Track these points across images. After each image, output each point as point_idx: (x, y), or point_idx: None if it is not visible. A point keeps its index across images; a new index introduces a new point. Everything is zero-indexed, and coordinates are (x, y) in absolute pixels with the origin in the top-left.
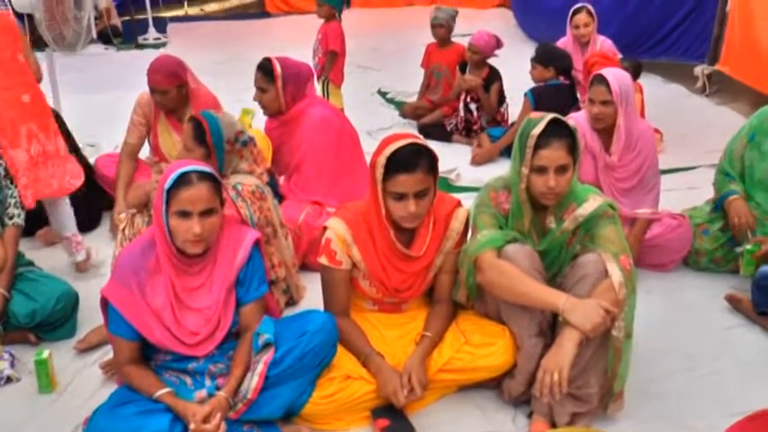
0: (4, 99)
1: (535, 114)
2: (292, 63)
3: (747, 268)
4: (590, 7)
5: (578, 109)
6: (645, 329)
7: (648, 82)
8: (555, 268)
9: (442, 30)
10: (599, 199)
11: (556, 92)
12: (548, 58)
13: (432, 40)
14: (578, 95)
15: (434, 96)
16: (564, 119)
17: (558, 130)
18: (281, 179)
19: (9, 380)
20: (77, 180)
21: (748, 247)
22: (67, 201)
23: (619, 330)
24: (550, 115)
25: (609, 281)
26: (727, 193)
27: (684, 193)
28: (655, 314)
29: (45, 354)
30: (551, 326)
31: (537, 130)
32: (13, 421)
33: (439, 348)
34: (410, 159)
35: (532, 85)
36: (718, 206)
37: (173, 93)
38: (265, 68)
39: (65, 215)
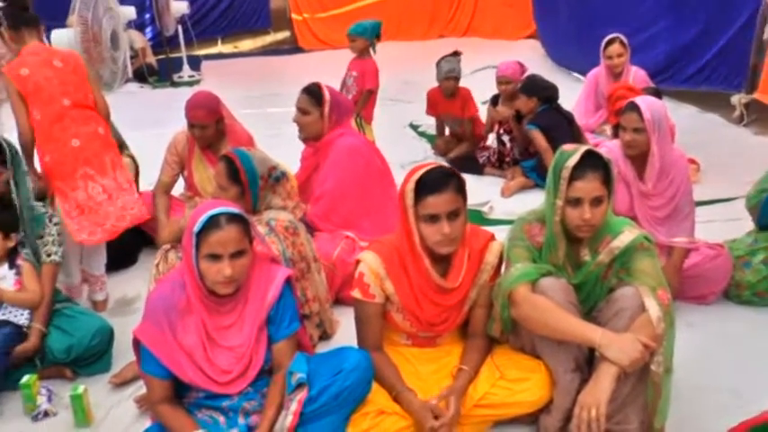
0: (86, 133)
1: (569, 146)
2: (338, 93)
3: None
4: (623, 38)
5: (577, 128)
6: (686, 364)
7: (685, 112)
8: (590, 302)
9: (456, 83)
10: (635, 231)
11: (549, 115)
12: (531, 88)
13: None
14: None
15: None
16: (598, 150)
17: (593, 162)
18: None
19: (47, 414)
20: (143, 210)
21: None
22: (104, 243)
23: (658, 365)
24: (585, 147)
25: (646, 315)
26: None
27: (723, 225)
28: (697, 348)
29: (81, 389)
30: (588, 360)
31: (571, 162)
32: None
33: (474, 383)
34: (438, 180)
35: None
36: (762, 223)
37: (211, 128)
38: (313, 92)
39: (100, 254)
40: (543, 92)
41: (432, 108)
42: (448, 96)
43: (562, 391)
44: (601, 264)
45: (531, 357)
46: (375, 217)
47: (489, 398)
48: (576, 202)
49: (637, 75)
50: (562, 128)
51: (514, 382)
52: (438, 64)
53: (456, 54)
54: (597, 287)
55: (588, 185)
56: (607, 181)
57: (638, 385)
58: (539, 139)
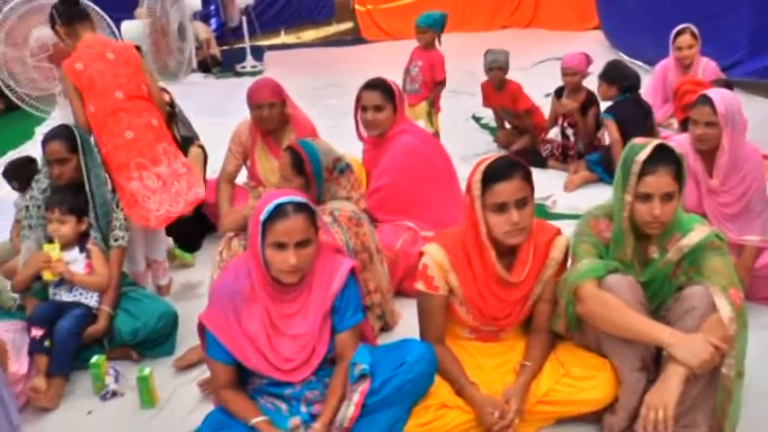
0: (139, 124)
1: (639, 140)
2: (396, 84)
3: None
4: (694, 28)
5: (652, 122)
6: (758, 367)
7: (757, 105)
8: (657, 300)
9: (500, 72)
10: (705, 229)
11: (627, 106)
12: (612, 75)
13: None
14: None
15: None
16: (670, 144)
17: (665, 156)
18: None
19: (114, 394)
20: (203, 192)
21: None
22: (163, 228)
23: (729, 368)
24: (656, 141)
25: (717, 315)
26: None
27: None
28: None
29: (147, 371)
30: (655, 360)
31: (642, 156)
32: None
33: (537, 379)
34: (506, 168)
35: None
36: None
37: (276, 108)
38: (384, 87)
39: (160, 241)
40: (625, 80)
41: (486, 100)
42: (496, 88)
43: (628, 390)
44: (669, 261)
45: (597, 355)
46: (432, 213)
47: (552, 395)
48: (646, 198)
49: (707, 66)
50: (637, 121)
51: (579, 380)
52: (485, 55)
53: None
54: (665, 285)
55: (659, 180)
56: (678, 176)
57: (708, 388)
58: (612, 128)
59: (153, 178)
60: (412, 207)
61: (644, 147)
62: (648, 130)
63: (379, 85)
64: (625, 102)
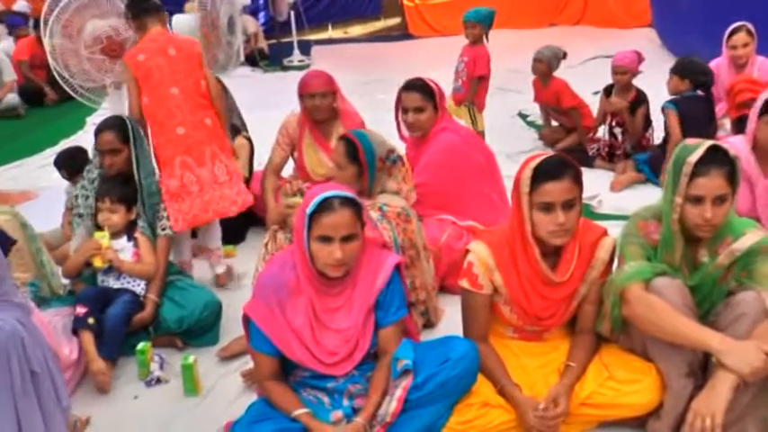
0: (191, 122)
1: (691, 140)
2: (435, 83)
3: None
4: (750, 26)
5: (716, 126)
6: None
7: None
8: (706, 305)
9: (541, 65)
10: (758, 233)
11: (696, 103)
12: (685, 69)
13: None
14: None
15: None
16: (724, 145)
17: (718, 158)
18: None
19: (159, 381)
20: (250, 197)
21: None
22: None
23: None
24: (709, 142)
25: None
26: None
27: None
28: None
29: (191, 359)
30: (703, 366)
31: (694, 157)
32: (161, 419)
33: (581, 381)
34: (556, 168)
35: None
36: None
37: (328, 99)
38: (424, 87)
39: (216, 229)
40: (699, 76)
41: (534, 96)
42: (543, 84)
43: (673, 396)
44: (720, 266)
45: (642, 359)
46: (472, 211)
47: (596, 397)
48: (697, 200)
49: (762, 66)
50: (699, 122)
51: (623, 383)
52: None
53: None
54: (714, 290)
55: (711, 183)
56: (732, 179)
57: (759, 396)
58: (673, 119)
59: (193, 181)
60: (451, 205)
61: (696, 147)
62: (709, 134)
63: (418, 85)
64: (693, 98)
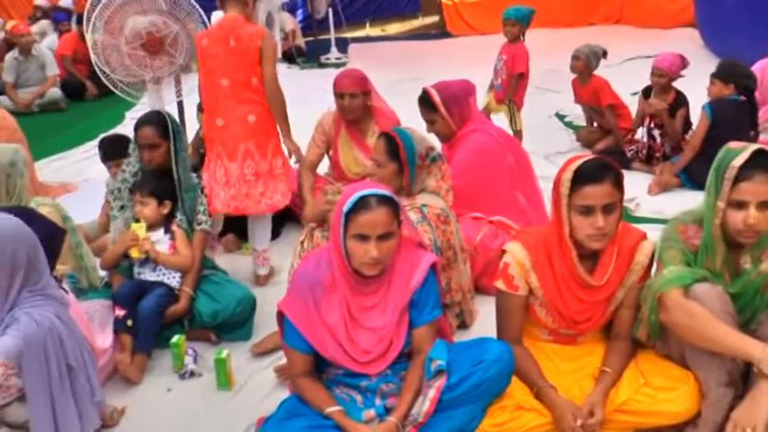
0: (232, 117)
1: (735, 144)
2: (447, 85)
3: None
4: None
5: (757, 132)
6: None
7: None
8: (747, 313)
9: (579, 63)
10: None
11: (735, 108)
12: (729, 73)
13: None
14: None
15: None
16: None
17: (763, 162)
18: None
19: (192, 374)
20: (283, 200)
21: None
22: (269, 218)
23: None
24: (754, 145)
25: None
26: None
27: None
28: None
29: (225, 353)
30: (743, 376)
31: (738, 161)
32: (194, 412)
33: (616, 387)
34: (597, 171)
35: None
36: None
37: (358, 99)
38: (424, 101)
39: (264, 230)
40: (743, 80)
41: (575, 96)
42: (582, 82)
43: (712, 405)
44: (763, 273)
45: (679, 366)
46: (503, 212)
47: (631, 404)
48: (740, 205)
49: None
50: (733, 127)
51: (659, 391)
52: None
53: None
54: (757, 298)
55: (756, 188)
56: None
57: None
58: (701, 123)
59: (221, 172)
60: (480, 205)
61: (740, 151)
62: (750, 139)
63: (421, 99)
64: (732, 102)
